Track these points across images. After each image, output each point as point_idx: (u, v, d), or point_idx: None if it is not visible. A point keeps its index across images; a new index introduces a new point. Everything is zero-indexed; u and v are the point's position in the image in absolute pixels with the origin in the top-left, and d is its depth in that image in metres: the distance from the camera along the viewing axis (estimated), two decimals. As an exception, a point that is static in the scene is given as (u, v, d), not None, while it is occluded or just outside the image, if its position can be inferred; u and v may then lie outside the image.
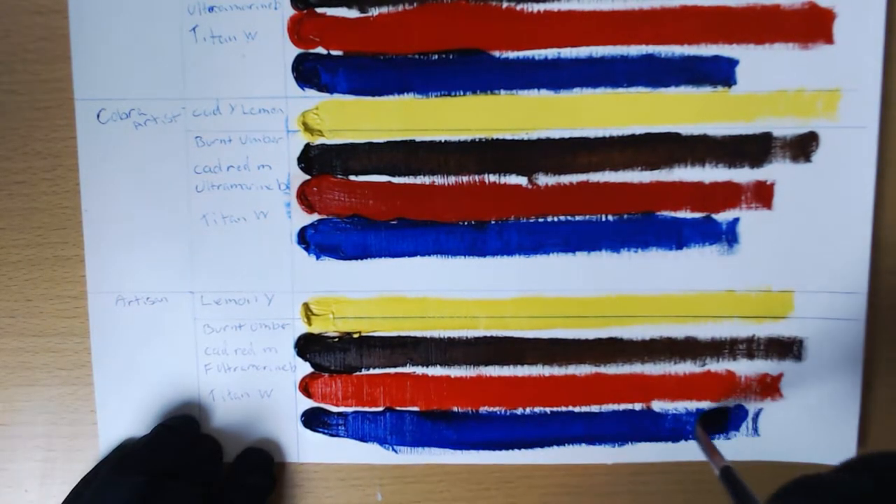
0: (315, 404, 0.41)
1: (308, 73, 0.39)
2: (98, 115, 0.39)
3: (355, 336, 0.40)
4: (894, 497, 0.24)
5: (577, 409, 0.41)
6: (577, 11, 0.38)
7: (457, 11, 0.38)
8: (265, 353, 0.40)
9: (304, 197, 0.39)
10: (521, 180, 0.39)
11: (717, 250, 0.39)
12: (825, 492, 0.25)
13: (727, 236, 0.39)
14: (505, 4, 0.38)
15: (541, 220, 0.39)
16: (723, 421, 0.40)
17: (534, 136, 0.39)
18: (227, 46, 0.38)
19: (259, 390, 0.40)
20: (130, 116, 0.39)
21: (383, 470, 0.41)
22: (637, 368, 0.40)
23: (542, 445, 0.41)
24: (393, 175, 0.39)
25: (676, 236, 0.39)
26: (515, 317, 0.40)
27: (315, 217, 0.40)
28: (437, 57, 0.39)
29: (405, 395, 0.41)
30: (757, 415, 0.40)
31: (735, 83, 0.38)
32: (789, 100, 0.38)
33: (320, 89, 0.39)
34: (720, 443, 0.40)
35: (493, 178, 0.39)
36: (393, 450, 0.41)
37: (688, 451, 0.40)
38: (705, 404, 0.40)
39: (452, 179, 0.39)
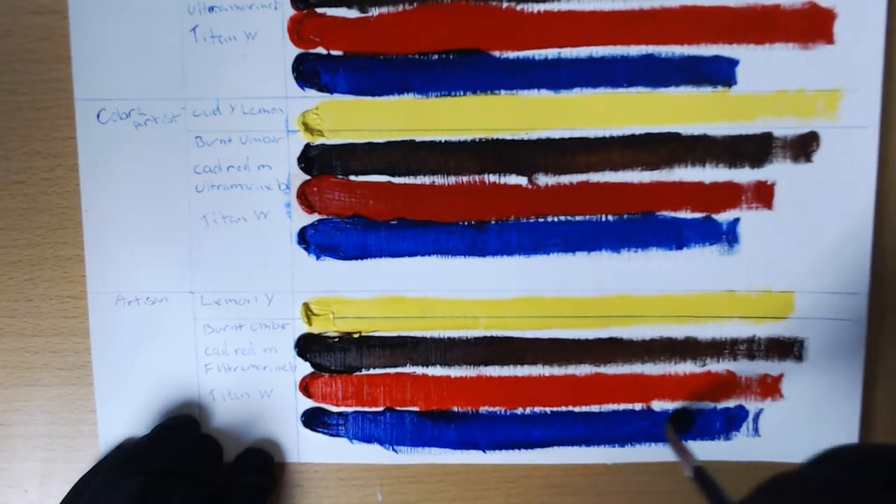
0: (315, 404, 0.41)
1: (308, 73, 0.39)
2: (98, 115, 0.39)
3: (355, 336, 0.40)
4: (862, 484, 0.24)
5: (577, 409, 0.40)
6: (577, 11, 0.38)
7: (457, 11, 0.38)
8: (265, 353, 0.40)
9: (304, 197, 0.39)
10: (521, 180, 0.39)
11: (717, 250, 0.39)
12: (800, 485, 0.26)
13: (727, 236, 0.39)
14: (505, 4, 0.38)
15: (541, 220, 0.39)
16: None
17: (534, 136, 0.39)
18: (227, 46, 0.38)
19: (259, 390, 0.40)
20: (130, 116, 0.39)
21: (383, 470, 0.41)
22: (637, 368, 0.40)
23: (542, 445, 0.41)
24: (393, 175, 0.39)
25: (676, 236, 0.39)
26: (515, 317, 0.40)
27: (315, 217, 0.40)
28: (437, 57, 0.39)
29: (405, 394, 0.41)
30: (757, 415, 0.40)
31: (735, 83, 0.38)
32: (790, 100, 0.38)
33: (320, 89, 0.39)
34: (721, 444, 0.40)
35: (493, 178, 0.39)
36: (393, 450, 0.41)
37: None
38: (706, 405, 0.40)
39: (452, 179, 0.39)
